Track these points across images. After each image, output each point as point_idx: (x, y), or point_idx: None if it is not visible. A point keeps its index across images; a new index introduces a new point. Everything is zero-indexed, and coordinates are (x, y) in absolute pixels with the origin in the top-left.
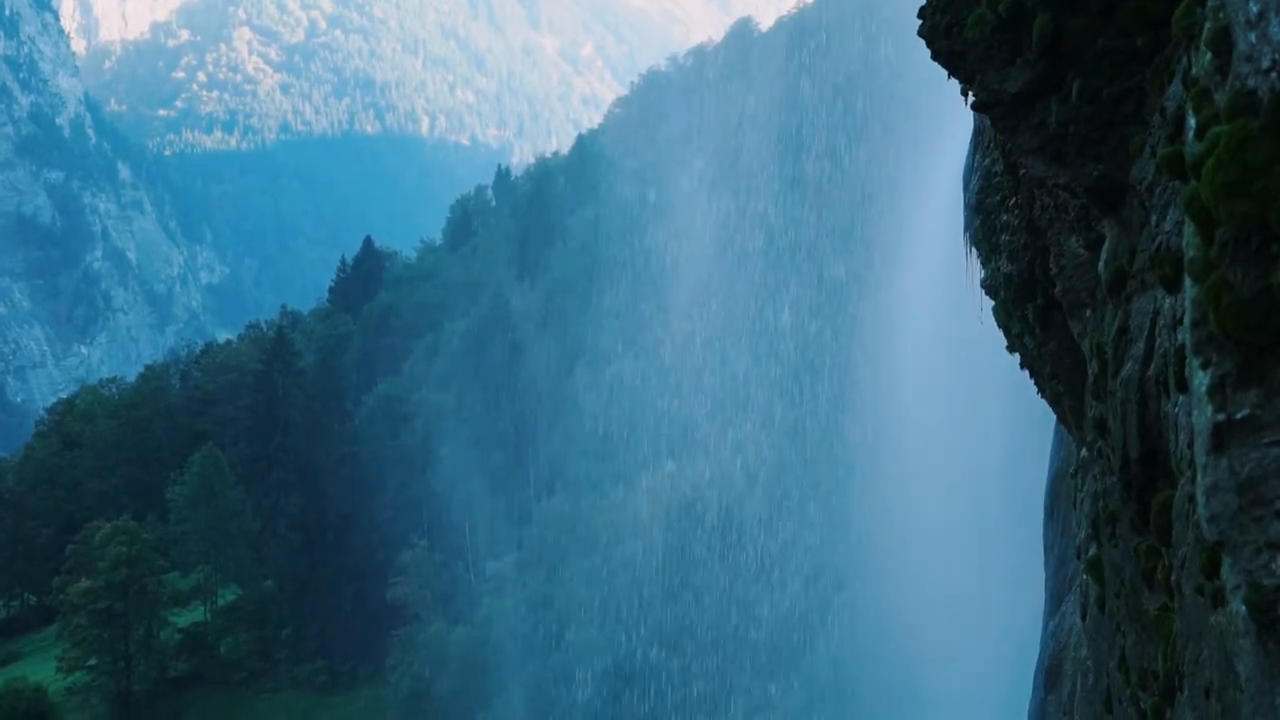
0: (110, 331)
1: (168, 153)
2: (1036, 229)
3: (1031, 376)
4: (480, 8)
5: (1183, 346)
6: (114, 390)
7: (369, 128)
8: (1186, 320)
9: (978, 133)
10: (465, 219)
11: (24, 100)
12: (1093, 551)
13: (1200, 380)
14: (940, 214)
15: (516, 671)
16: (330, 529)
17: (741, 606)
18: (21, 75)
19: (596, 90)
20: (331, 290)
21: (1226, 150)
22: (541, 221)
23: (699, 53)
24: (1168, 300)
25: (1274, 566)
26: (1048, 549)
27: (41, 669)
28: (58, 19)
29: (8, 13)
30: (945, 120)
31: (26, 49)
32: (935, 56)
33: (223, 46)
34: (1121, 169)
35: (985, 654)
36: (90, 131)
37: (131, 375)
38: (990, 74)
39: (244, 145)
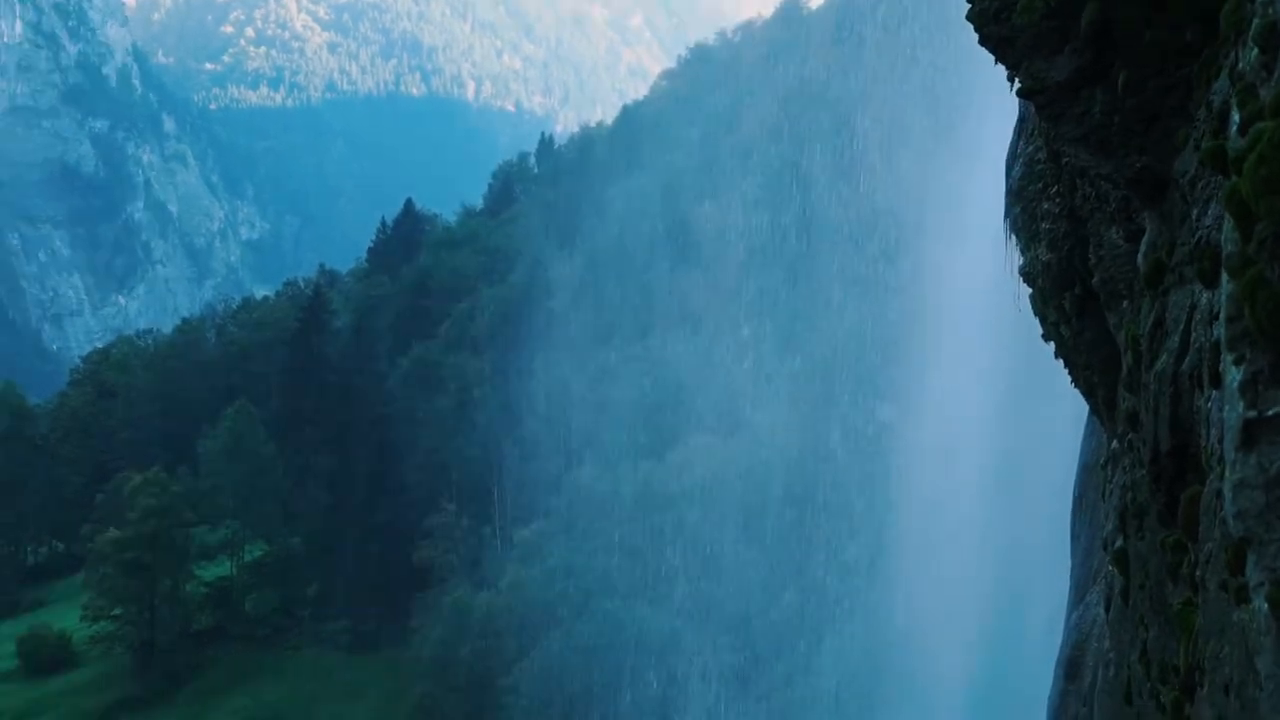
0: (149, 283)
1: (213, 107)
2: (1077, 218)
3: (1066, 366)
4: None
5: (1218, 342)
6: (150, 342)
7: (414, 90)
8: (1222, 315)
9: (1022, 119)
10: (507, 185)
11: (72, 49)
12: (1119, 544)
13: (1233, 376)
14: (984, 199)
15: (539, 639)
16: (359, 489)
17: (766, 584)
18: (70, 23)
19: (644, 62)
20: (370, 251)
21: (1269, 146)
22: (583, 191)
23: (747, 28)
24: (1205, 295)
25: None
26: (1074, 539)
27: (67, 616)
28: None
29: None
30: (991, 105)
31: None
32: (983, 41)
33: (271, 3)
34: (1164, 162)
35: (1009, 642)
36: (136, 82)
37: (168, 327)
38: (1037, 61)
39: (289, 102)
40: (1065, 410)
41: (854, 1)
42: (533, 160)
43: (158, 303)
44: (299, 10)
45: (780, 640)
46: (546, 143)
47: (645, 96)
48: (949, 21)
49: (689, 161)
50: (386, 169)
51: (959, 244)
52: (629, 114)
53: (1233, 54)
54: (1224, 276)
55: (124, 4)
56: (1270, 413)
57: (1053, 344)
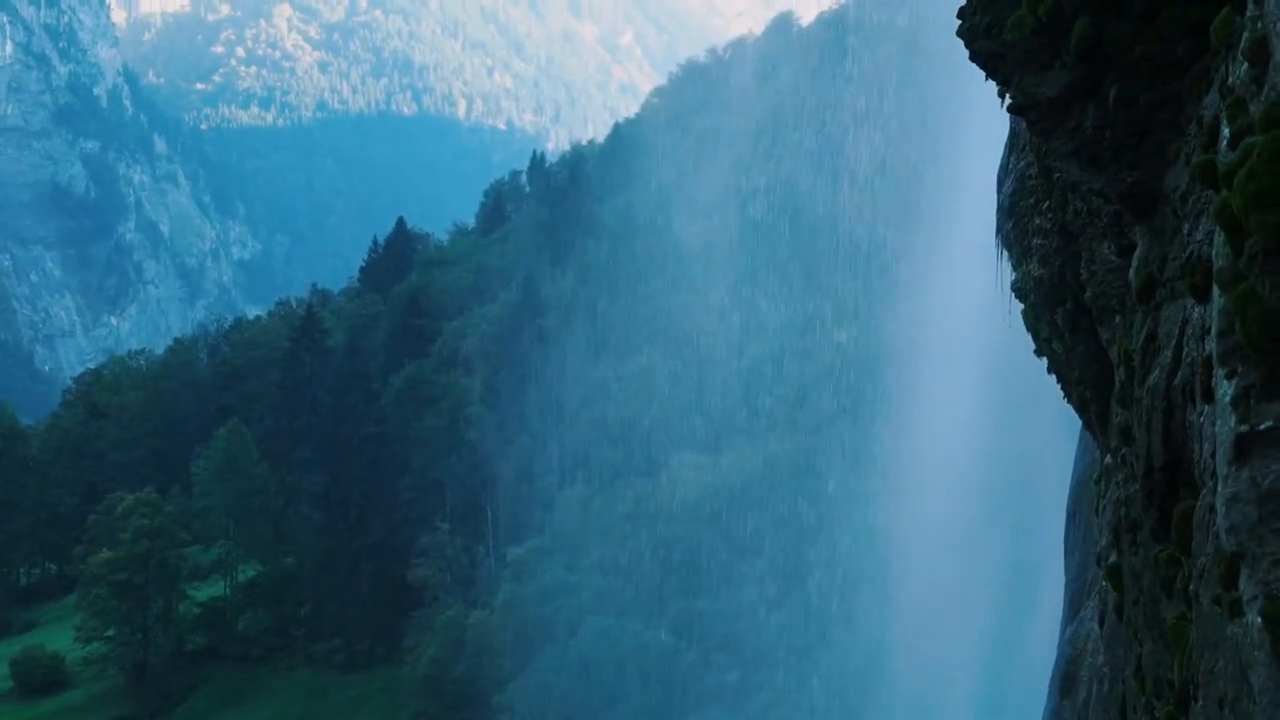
0: (140, 303)
1: (204, 127)
2: (1068, 233)
3: (1058, 381)
4: None
5: (1209, 356)
6: (142, 362)
7: (406, 109)
8: (1213, 330)
9: (1013, 135)
10: (498, 203)
11: (62, 69)
12: (1113, 558)
13: (1225, 390)
14: (974, 215)
15: (533, 658)
16: (352, 508)
17: (760, 601)
18: (61, 44)
19: (635, 79)
20: (362, 270)
21: (1259, 161)
22: (575, 209)
23: (738, 46)
24: (1197, 309)
25: None
26: (1068, 554)
27: (59, 638)
28: None
29: None
30: (982, 121)
31: (66, 18)
32: (974, 57)
33: (262, 23)
34: (1156, 176)
35: (1005, 657)
36: (127, 103)
37: (160, 348)
38: (1028, 77)
39: (280, 122)
40: (1058, 426)
41: (846, 18)
42: (524, 178)
43: (150, 323)
44: (290, 30)
45: (775, 657)
46: (538, 161)
47: (636, 114)
48: (941, 38)
49: (680, 179)
50: (378, 188)
51: (949, 260)
52: (620, 131)
53: (1223, 68)
54: (1215, 291)
55: (114, 24)
56: (1262, 427)
57: (1045, 359)
